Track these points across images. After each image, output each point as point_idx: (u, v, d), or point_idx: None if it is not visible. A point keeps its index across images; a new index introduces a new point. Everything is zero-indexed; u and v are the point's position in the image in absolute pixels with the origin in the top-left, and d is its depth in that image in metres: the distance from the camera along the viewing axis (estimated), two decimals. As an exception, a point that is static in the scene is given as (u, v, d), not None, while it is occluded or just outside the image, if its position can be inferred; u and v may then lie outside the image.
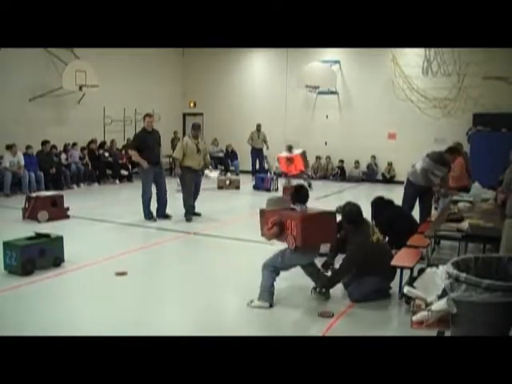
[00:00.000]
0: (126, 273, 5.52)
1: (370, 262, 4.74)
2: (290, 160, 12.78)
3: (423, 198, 7.17)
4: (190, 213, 8.70)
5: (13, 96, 12.59)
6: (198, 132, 8.55)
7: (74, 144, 13.70)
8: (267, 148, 15.87)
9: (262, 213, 4.96)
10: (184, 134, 19.24)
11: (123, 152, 14.59)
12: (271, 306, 4.57)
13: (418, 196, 7.18)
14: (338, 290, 4.93)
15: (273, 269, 4.66)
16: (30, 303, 4.61)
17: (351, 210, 5.01)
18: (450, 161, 7.15)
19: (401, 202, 7.16)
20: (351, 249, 4.88)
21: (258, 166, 16.10)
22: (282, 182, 13.11)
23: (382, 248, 4.99)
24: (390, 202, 6.74)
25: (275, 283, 4.67)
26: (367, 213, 6.78)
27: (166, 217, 8.66)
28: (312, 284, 4.94)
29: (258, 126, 15.94)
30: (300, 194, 4.80)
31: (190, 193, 8.55)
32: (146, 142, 8.35)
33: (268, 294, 4.59)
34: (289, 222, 4.50)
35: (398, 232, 5.89)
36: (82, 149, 13.92)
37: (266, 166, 16.01)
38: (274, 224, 4.59)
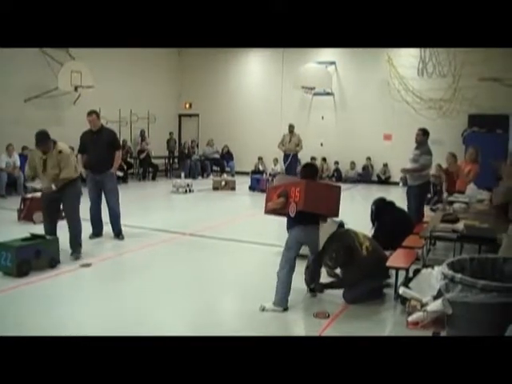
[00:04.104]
0: (90, 264, 5.79)
1: (365, 272, 4.73)
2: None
3: (408, 198, 7.31)
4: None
5: (8, 97, 12.54)
6: (46, 145, 5.80)
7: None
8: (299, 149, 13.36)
9: (268, 190, 5.14)
10: (180, 135, 19.22)
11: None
12: (285, 310, 4.51)
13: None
14: (333, 291, 4.93)
15: (285, 263, 4.57)
16: (26, 304, 4.59)
17: (338, 257, 4.78)
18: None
19: (399, 203, 7.20)
20: (348, 277, 4.87)
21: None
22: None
23: (374, 254, 4.85)
24: (391, 204, 6.75)
25: (271, 285, 4.67)
26: (365, 213, 6.82)
27: (118, 236, 7.15)
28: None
29: (291, 127, 13.04)
30: (308, 171, 4.83)
31: (45, 219, 6.35)
32: (85, 143, 7.08)
33: (283, 297, 4.51)
34: (293, 190, 4.57)
35: (397, 234, 5.88)
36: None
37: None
38: (279, 195, 4.68)
